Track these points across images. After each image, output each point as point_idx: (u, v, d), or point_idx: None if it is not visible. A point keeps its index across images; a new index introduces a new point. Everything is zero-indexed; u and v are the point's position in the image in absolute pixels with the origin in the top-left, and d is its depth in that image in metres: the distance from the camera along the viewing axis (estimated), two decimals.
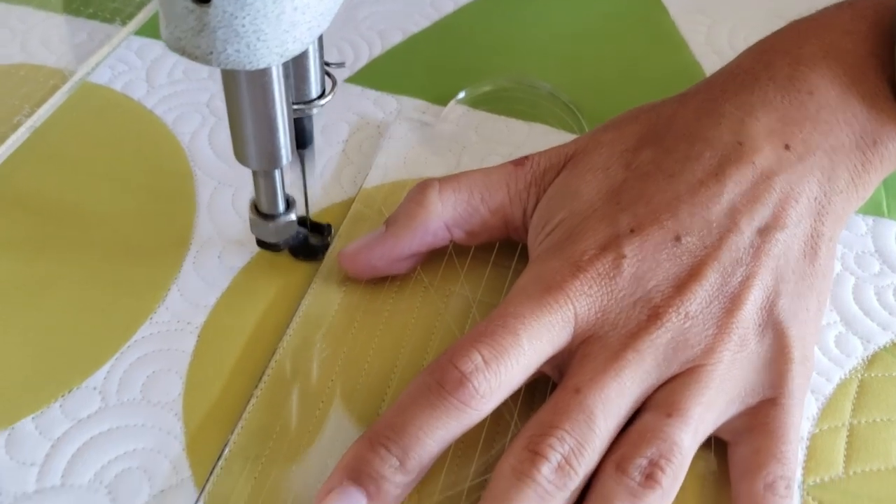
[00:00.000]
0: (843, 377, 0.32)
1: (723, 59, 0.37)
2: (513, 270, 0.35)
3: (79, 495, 0.28)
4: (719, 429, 0.29)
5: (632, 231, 0.29)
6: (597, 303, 0.28)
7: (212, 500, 0.28)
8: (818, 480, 0.29)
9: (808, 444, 0.30)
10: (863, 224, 0.37)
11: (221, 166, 0.39)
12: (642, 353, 0.28)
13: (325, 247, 0.34)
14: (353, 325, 0.33)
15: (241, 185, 0.38)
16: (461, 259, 0.35)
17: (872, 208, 0.37)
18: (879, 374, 0.32)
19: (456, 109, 0.42)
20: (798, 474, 0.29)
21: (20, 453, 0.29)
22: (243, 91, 0.27)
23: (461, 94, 0.42)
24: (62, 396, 0.30)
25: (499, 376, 0.27)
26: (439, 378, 0.27)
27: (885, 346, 0.33)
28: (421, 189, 0.33)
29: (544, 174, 0.33)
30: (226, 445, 0.29)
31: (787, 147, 0.31)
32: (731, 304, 0.28)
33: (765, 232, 0.29)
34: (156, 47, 0.45)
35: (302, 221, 0.33)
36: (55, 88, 0.41)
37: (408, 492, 0.27)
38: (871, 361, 0.32)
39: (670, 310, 0.28)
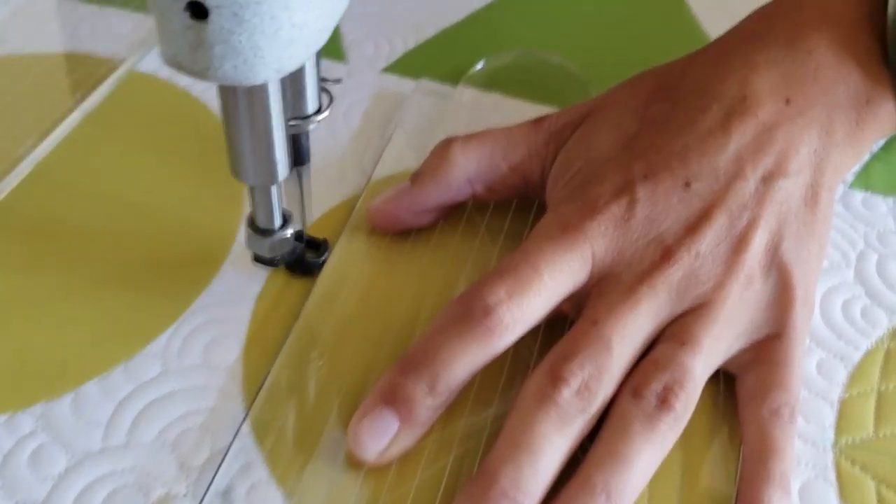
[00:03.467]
0: (869, 347, 0.32)
1: None
2: (529, 225, 0.35)
3: (143, 452, 0.29)
4: (727, 362, 0.30)
5: (645, 177, 0.30)
6: (613, 243, 0.29)
7: (256, 425, 0.29)
8: (850, 441, 0.29)
9: (839, 408, 0.30)
10: (883, 204, 0.38)
11: None
12: (656, 289, 0.29)
13: (322, 263, 0.33)
14: (381, 275, 0.34)
15: None
16: (480, 217, 0.36)
17: (893, 189, 0.39)
18: None
19: (466, 92, 0.42)
20: (830, 434, 0.30)
21: (86, 414, 0.30)
22: (240, 106, 0.26)
23: (479, 65, 0.43)
24: (124, 362, 0.31)
25: (522, 308, 0.28)
26: (466, 309, 0.28)
27: None
28: (445, 145, 0.34)
29: (562, 131, 0.34)
30: (265, 377, 0.30)
31: (787, 102, 0.32)
32: (739, 244, 0.29)
33: (768, 179, 0.30)
34: None
35: (298, 237, 0.33)
36: (104, 77, 0.42)
37: (437, 415, 0.28)
38: None
39: (682, 249, 0.29)
